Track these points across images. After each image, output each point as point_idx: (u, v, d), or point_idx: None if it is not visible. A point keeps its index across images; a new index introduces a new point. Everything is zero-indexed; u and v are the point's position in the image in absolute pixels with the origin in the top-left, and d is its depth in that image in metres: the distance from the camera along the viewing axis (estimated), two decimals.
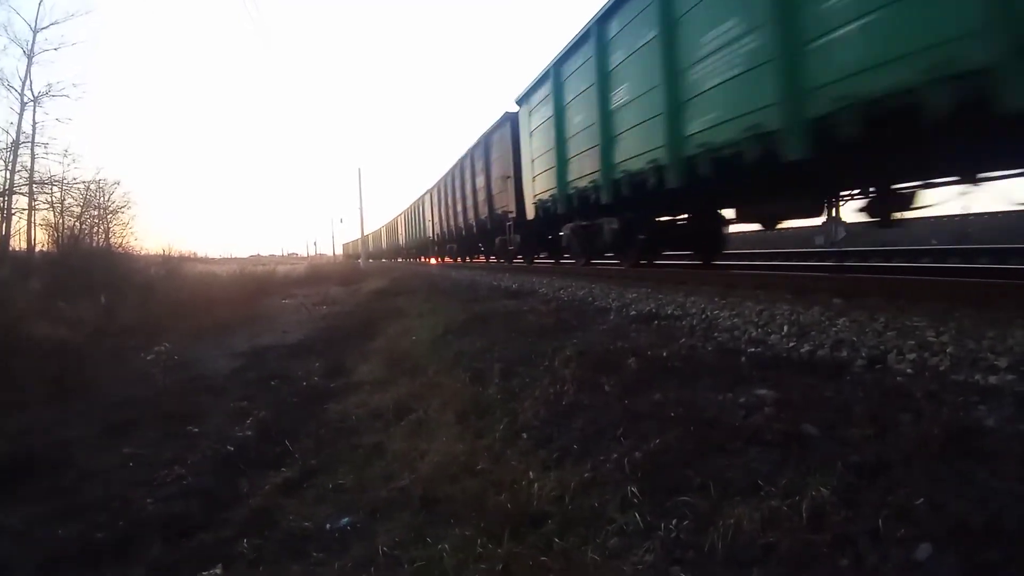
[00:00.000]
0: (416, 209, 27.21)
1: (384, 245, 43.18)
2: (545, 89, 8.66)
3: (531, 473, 2.14)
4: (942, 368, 2.29)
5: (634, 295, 5.40)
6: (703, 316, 3.98)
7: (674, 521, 1.59)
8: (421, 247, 27.46)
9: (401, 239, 33.81)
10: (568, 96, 7.88)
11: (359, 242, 49.77)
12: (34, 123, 16.08)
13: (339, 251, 71.92)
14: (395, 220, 37.67)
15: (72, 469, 3.73)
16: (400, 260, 37.73)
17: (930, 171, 4.15)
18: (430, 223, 22.78)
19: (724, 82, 4.54)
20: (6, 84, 15.70)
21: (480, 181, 13.86)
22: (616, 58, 6.37)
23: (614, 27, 6.35)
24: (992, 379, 2.09)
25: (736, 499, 1.58)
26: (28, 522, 3.03)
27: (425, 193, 24.11)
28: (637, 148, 6.05)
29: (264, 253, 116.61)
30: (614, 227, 7.57)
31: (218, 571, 2.26)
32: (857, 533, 1.33)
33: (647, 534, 1.59)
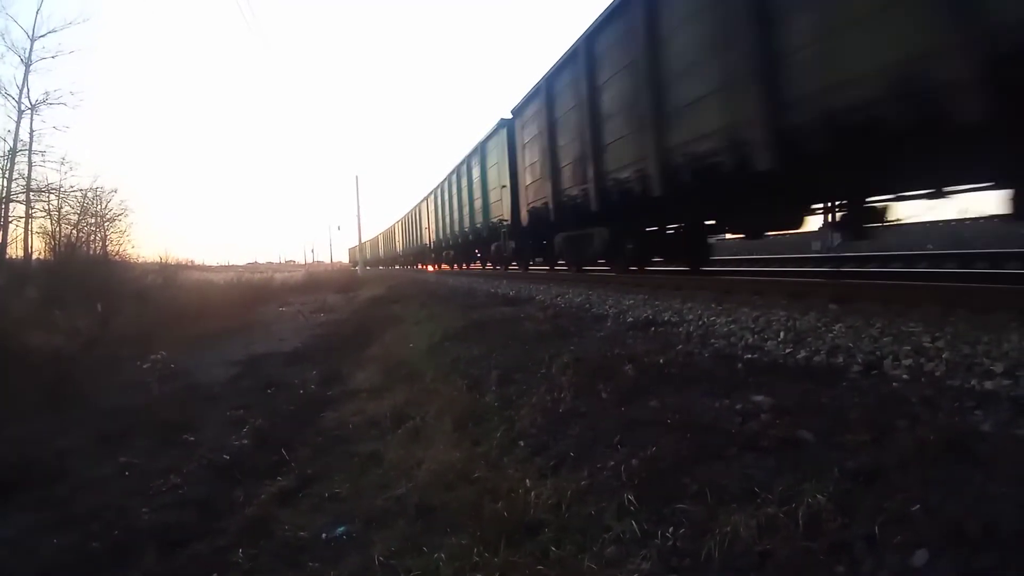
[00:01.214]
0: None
1: (388, 251, 41.30)
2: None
3: (528, 481, 2.14)
4: (938, 373, 2.30)
5: (631, 301, 5.40)
6: (700, 322, 3.98)
7: (671, 529, 1.58)
8: (418, 255, 26.62)
9: (399, 246, 32.96)
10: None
11: (365, 247, 48.79)
12: (31, 131, 16.09)
13: (339, 258, 71.65)
14: (392, 228, 36.87)
15: (68, 478, 3.71)
16: (397, 267, 36.59)
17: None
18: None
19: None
20: (3, 92, 15.70)
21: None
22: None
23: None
24: (988, 384, 2.09)
25: (732, 506, 1.57)
26: (24, 531, 3.02)
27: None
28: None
29: (261, 260, 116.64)
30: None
31: None
32: (853, 539, 1.33)
33: (644, 542, 1.59)
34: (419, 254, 26.61)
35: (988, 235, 10.01)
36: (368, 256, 48.95)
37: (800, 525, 1.41)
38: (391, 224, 37.78)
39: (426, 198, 22.17)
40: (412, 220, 27.37)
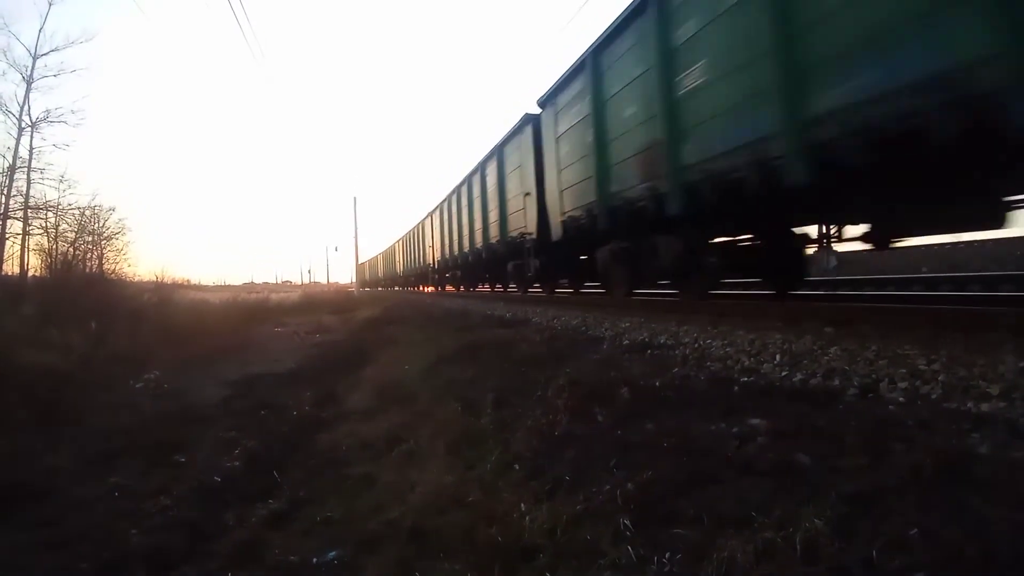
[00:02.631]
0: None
1: (387, 272, 38.57)
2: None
3: (523, 505, 2.11)
4: (934, 396, 2.29)
5: (627, 324, 5.40)
6: (696, 345, 3.98)
7: (667, 554, 1.56)
8: (419, 276, 25.59)
9: (399, 267, 32.08)
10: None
11: (364, 268, 47.23)
12: (31, 148, 16.13)
13: (336, 279, 71.37)
14: (392, 247, 35.57)
15: (57, 498, 3.66)
16: (396, 288, 35.38)
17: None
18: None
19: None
20: (4, 109, 15.75)
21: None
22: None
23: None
24: (984, 407, 2.09)
25: (730, 531, 1.55)
26: (12, 551, 2.96)
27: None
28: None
29: (258, 280, 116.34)
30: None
31: None
32: (851, 564, 1.31)
33: (640, 567, 1.56)
34: (420, 275, 25.09)
35: (983, 258, 10.08)
36: (367, 277, 48.25)
37: (798, 550, 1.40)
38: (391, 244, 36.68)
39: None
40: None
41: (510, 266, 11.92)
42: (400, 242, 31.68)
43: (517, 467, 2.53)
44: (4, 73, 17.89)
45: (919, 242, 5.52)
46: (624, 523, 1.74)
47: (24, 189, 15.84)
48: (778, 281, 6.54)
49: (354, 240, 36.89)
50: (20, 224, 15.79)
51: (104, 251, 18.03)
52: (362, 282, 46.19)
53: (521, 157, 10.43)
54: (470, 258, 15.07)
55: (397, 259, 32.65)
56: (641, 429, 2.40)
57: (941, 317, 3.57)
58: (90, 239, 17.38)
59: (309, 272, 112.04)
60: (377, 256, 45.89)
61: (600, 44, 6.83)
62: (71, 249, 16.30)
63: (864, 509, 1.50)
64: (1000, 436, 1.80)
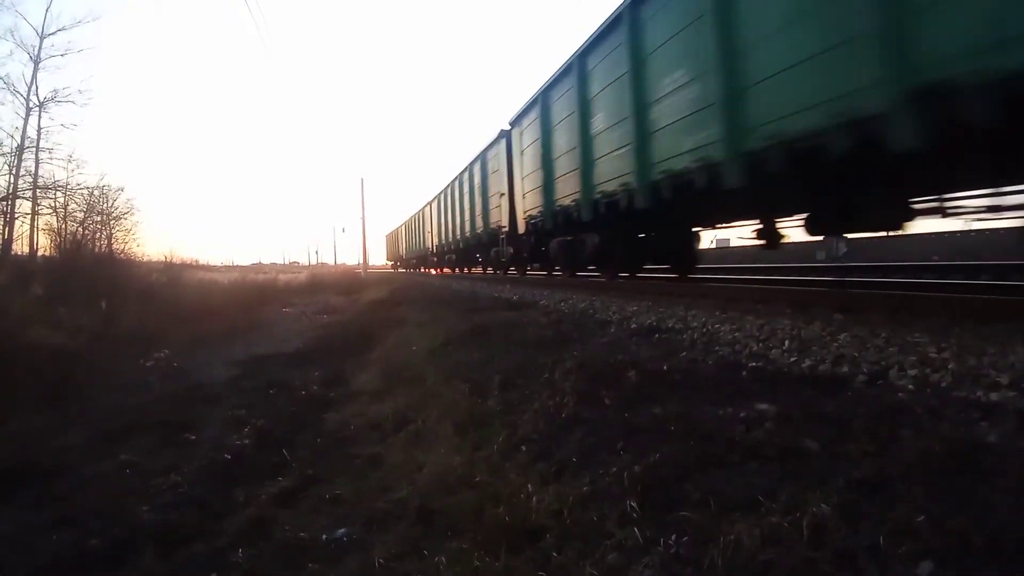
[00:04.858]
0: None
1: (392, 253, 39.03)
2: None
3: (529, 486, 2.12)
4: (943, 384, 2.28)
5: (635, 308, 5.39)
6: (704, 330, 3.97)
7: (673, 536, 1.57)
8: (420, 258, 27.91)
9: (402, 249, 33.51)
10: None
11: (420, 226, 42.26)
12: (39, 128, 16.19)
13: (343, 260, 71.08)
14: (396, 231, 36.56)
15: (68, 476, 3.71)
16: (403, 270, 35.90)
17: None
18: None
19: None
20: (12, 89, 15.80)
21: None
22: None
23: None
24: (994, 396, 2.07)
25: (736, 515, 1.56)
26: (23, 528, 3.01)
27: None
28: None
29: (266, 261, 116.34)
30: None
31: None
32: (858, 550, 1.31)
33: (646, 549, 1.57)
34: (421, 258, 27.15)
35: (994, 246, 9.99)
36: (402, 252, 43.41)
37: (804, 535, 1.40)
38: (395, 228, 37.95)
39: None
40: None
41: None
42: (403, 227, 32.69)
43: (524, 449, 2.54)
44: (11, 53, 17.92)
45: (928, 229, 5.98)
46: (631, 505, 1.75)
47: (33, 169, 15.93)
48: None
49: (361, 221, 36.74)
50: (29, 204, 15.89)
51: (113, 231, 18.14)
52: (395, 258, 43.17)
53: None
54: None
55: (400, 243, 33.59)
56: (648, 412, 2.41)
57: (952, 305, 3.54)
58: (99, 219, 17.48)
59: (316, 253, 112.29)
60: (386, 237, 43.91)
61: None
62: (80, 229, 16.42)
63: (871, 495, 1.50)
64: (1009, 425, 1.79)
